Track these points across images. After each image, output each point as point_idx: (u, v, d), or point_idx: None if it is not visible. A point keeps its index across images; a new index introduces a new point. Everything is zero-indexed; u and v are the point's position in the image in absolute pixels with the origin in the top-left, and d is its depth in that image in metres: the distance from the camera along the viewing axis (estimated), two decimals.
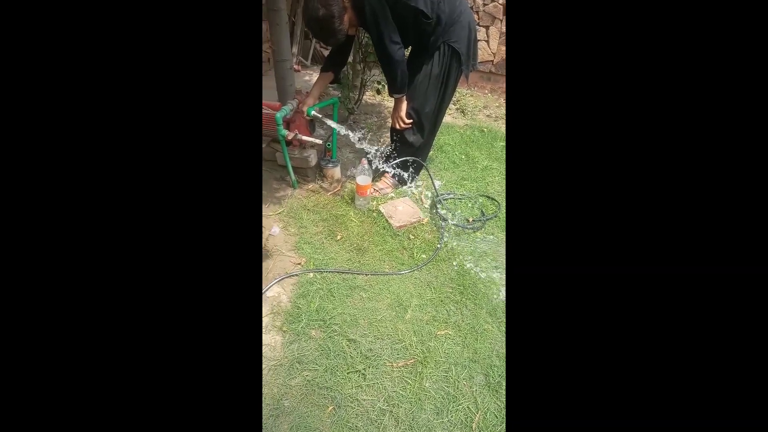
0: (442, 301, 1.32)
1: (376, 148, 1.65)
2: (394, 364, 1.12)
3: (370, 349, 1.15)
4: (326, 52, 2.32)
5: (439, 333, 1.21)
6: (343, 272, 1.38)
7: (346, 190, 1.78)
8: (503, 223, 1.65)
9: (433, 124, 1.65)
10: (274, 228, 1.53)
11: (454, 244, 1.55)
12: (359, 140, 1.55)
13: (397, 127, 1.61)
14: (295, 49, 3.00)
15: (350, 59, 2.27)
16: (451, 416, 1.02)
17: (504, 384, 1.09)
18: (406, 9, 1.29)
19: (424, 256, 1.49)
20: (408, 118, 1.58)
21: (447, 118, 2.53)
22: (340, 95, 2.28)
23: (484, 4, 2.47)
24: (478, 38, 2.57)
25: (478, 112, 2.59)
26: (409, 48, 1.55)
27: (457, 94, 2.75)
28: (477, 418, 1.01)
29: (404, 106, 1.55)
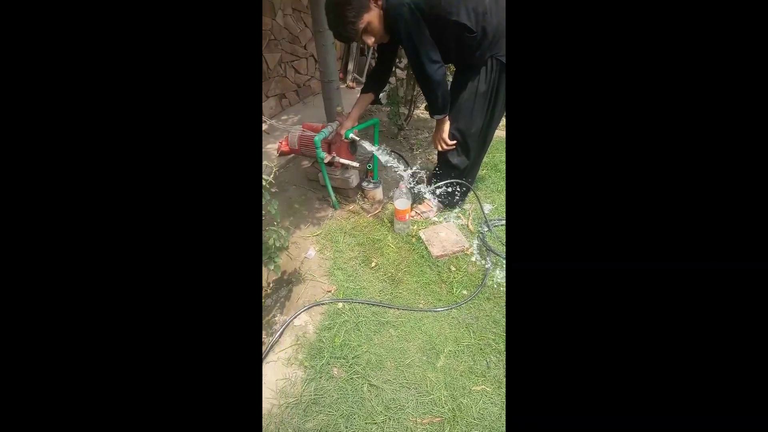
0: (481, 349, 1.15)
1: (413, 170, 1.54)
2: (419, 420, 0.99)
3: (393, 399, 1.04)
4: None
5: (475, 388, 1.05)
6: (373, 304, 1.29)
7: (387, 212, 1.69)
8: None
9: (480, 145, 1.49)
10: (310, 251, 1.51)
11: (502, 279, 1.37)
12: (398, 166, 1.45)
13: (439, 149, 1.48)
14: (351, 66, 3.04)
15: (402, 72, 2.21)
16: None
17: None
18: (447, 25, 1.17)
19: (465, 292, 1.34)
20: (452, 139, 1.45)
21: (503, 132, 2.32)
22: (389, 111, 2.22)
23: None
24: None
25: None
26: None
27: None
28: None
29: (447, 126, 1.43)
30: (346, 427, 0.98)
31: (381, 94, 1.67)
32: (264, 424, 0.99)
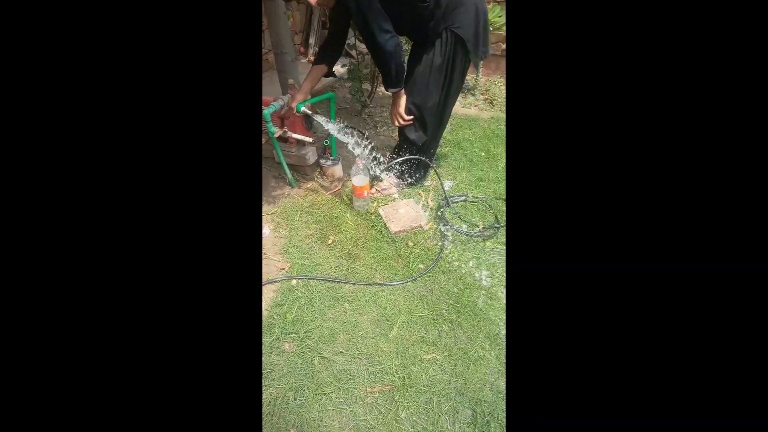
0: (434, 319, 1.17)
1: (371, 146, 1.51)
2: (369, 389, 1.00)
3: (344, 370, 1.04)
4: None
5: (425, 357, 1.07)
6: (328, 280, 1.28)
7: (347, 189, 1.67)
8: None
9: (438, 120, 1.47)
10: (264, 229, 1.47)
11: (459, 254, 1.38)
12: (354, 141, 1.42)
13: (396, 124, 1.46)
14: (312, 40, 2.93)
15: (363, 47, 2.15)
16: None
17: (494, 425, 0.92)
18: None
19: (421, 266, 1.34)
20: (409, 114, 1.43)
21: (470, 110, 2.32)
22: (350, 87, 2.17)
23: None
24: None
25: None
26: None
27: (487, 83, 2.52)
28: None
29: (403, 101, 1.40)
30: (295, 399, 0.97)
31: (338, 67, 1.61)
32: None
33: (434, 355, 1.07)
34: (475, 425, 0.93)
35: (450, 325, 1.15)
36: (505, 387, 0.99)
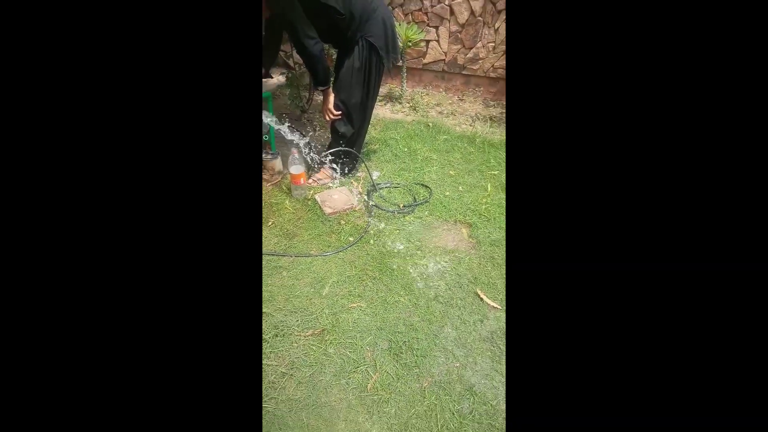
0: (360, 278, 1.38)
1: (306, 139, 1.73)
2: (303, 334, 1.18)
3: (282, 321, 1.21)
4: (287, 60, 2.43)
5: (351, 306, 1.28)
6: (267, 254, 1.45)
7: (286, 181, 1.85)
8: (433, 208, 1.73)
9: (362, 114, 1.74)
10: None
11: (382, 227, 1.62)
12: (290, 131, 1.63)
13: (326, 118, 1.70)
14: None
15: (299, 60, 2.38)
16: (349, 378, 1.08)
17: (405, 350, 1.15)
18: (320, 7, 1.39)
19: (351, 238, 1.56)
20: (337, 110, 1.67)
21: (397, 115, 2.63)
22: (289, 93, 2.38)
23: (432, 6, 2.59)
24: (429, 38, 2.69)
25: (430, 109, 2.69)
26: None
27: (412, 93, 2.86)
28: (374, 379, 1.07)
29: (331, 98, 1.65)
30: None
31: (278, 77, 1.82)
32: None
33: (359, 304, 1.29)
34: (390, 351, 1.15)
35: (373, 281, 1.37)
36: (416, 321, 1.23)
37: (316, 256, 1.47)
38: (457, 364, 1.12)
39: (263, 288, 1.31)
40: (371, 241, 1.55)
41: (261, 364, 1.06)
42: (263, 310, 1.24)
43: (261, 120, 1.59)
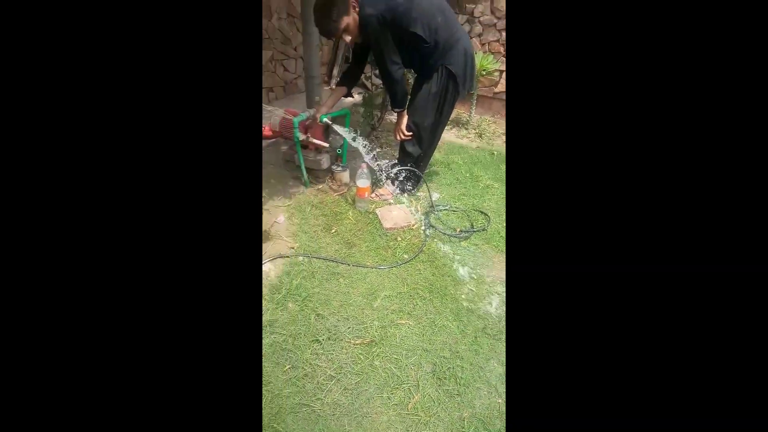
0: (411, 296, 1.42)
1: (374, 154, 1.83)
2: (353, 341, 1.24)
3: (335, 326, 1.28)
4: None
5: (400, 321, 1.32)
6: (328, 260, 1.55)
7: (351, 193, 1.97)
8: (490, 237, 1.72)
9: (431, 137, 1.80)
10: (280, 217, 1.76)
11: (438, 249, 1.65)
12: (363, 147, 1.74)
13: (397, 138, 1.78)
14: (335, 71, 3.35)
15: (379, 81, 2.53)
16: (392, 393, 1.11)
17: (449, 376, 1.16)
18: (406, 34, 1.49)
19: (406, 255, 1.61)
20: (408, 131, 1.76)
21: (462, 140, 2.66)
22: (363, 112, 2.53)
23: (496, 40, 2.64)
24: (503, 69, 2.71)
25: (496, 138, 2.69)
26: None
27: (479, 120, 2.88)
28: (415, 400, 1.10)
29: (405, 120, 1.73)
30: (293, 344, 1.22)
31: (355, 96, 1.97)
32: None
33: (408, 321, 1.32)
34: (434, 375, 1.17)
35: (423, 301, 1.40)
36: (463, 350, 1.23)
37: (372, 268, 1.53)
38: (500, 401, 1.10)
39: (321, 291, 1.41)
40: (425, 261, 1.58)
41: (261, 366, 1.04)
42: (319, 312, 1.32)
43: (261, 122, 1.69)
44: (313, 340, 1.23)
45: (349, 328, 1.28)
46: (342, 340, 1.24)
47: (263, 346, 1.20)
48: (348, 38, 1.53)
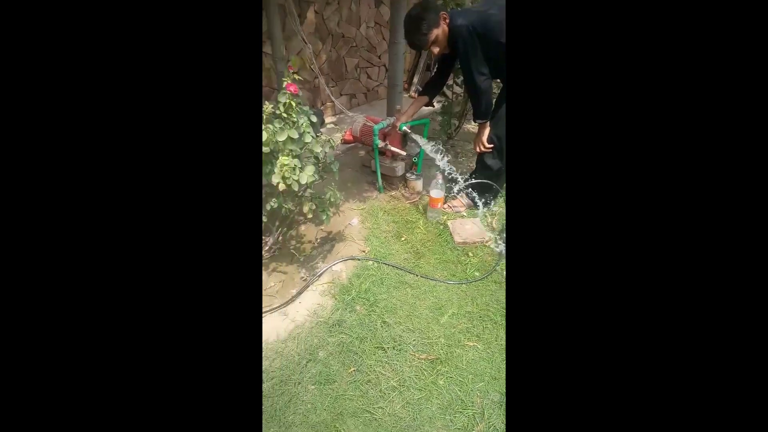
0: (480, 317, 1.36)
1: (450, 165, 1.79)
2: (417, 355, 1.22)
3: (400, 335, 1.28)
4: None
5: (468, 343, 1.26)
6: (397, 267, 1.55)
7: (423, 202, 1.95)
8: None
9: None
10: (354, 220, 1.81)
11: None
12: (440, 157, 1.72)
13: (477, 150, 1.72)
14: (416, 79, 3.38)
15: (459, 90, 2.48)
16: (455, 417, 1.07)
17: None
18: (498, 46, 1.43)
19: (477, 273, 1.55)
20: (489, 143, 1.69)
21: None
22: (441, 120, 2.50)
23: None
24: None
25: None
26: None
27: None
28: (478, 429, 1.04)
29: (487, 131, 1.67)
30: (359, 346, 1.24)
31: (435, 102, 1.95)
32: (297, 332, 1.28)
33: (475, 344, 1.26)
34: (501, 406, 1.09)
35: (493, 324, 1.33)
36: None
37: (441, 281, 1.50)
38: None
39: (389, 298, 1.41)
40: (499, 282, 1.50)
41: (261, 368, 1.07)
42: (385, 319, 1.33)
43: (261, 126, 1.68)
44: (378, 347, 1.24)
45: (414, 340, 1.27)
46: (407, 351, 1.23)
47: (330, 345, 1.24)
48: (436, 50, 1.52)
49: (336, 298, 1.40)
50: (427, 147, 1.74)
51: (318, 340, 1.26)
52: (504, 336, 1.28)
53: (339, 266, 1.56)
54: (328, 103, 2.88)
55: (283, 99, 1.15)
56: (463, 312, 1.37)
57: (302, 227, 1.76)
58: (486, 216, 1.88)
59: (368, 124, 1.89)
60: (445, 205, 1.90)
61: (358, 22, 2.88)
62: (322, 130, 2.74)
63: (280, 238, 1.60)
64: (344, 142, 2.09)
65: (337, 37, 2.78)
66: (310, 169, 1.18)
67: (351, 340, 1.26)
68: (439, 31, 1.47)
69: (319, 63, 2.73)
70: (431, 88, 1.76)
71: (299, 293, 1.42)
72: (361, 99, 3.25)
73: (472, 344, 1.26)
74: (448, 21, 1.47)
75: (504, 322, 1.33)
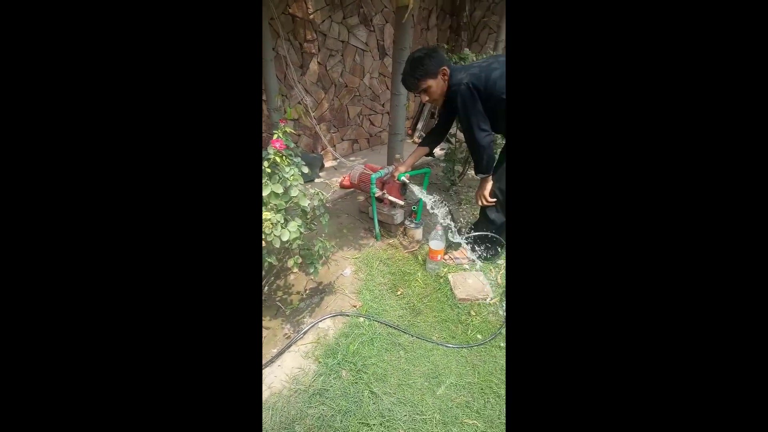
0: (482, 389, 1.20)
1: (452, 216, 1.70)
2: None
3: (389, 409, 1.12)
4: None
5: (467, 421, 1.10)
6: (390, 326, 1.41)
7: (423, 251, 1.85)
8: None
9: None
10: (346, 270, 1.70)
11: None
12: (441, 212, 1.64)
13: (479, 204, 1.65)
14: (420, 125, 3.42)
15: (462, 136, 2.47)
16: None
17: None
18: (500, 102, 1.40)
19: (479, 336, 1.40)
20: (493, 197, 1.61)
21: None
22: (444, 167, 2.46)
23: None
24: None
25: None
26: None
27: None
28: None
29: (489, 185, 1.60)
30: (341, 422, 1.08)
31: (436, 150, 1.92)
32: (273, 401, 1.14)
33: (476, 422, 1.09)
34: None
35: (497, 398, 1.16)
36: None
37: (438, 344, 1.35)
38: None
39: (379, 362, 1.27)
40: (503, 348, 1.35)
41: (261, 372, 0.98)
42: (374, 389, 1.18)
43: (261, 130, 1.65)
44: (362, 422, 1.08)
45: (405, 416, 1.10)
46: (396, 429, 1.07)
47: (309, 418, 1.09)
48: (425, 99, 1.50)
49: (320, 362, 1.26)
50: (427, 199, 1.67)
51: (296, 412, 1.11)
52: None
53: (327, 323, 1.43)
54: (330, 147, 2.90)
55: (268, 154, 1.12)
56: (463, 383, 1.21)
57: (291, 276, 1.66)
58: (490, 270, 1.76)
59: (366, 172, 1.85)
60: (446, 256, 1.79)
61: (361, 73, 2.98)
62: (321, 174, 2.73)
63: (266, 288, 1.50)
64: (342, 186, 2.05)
65: (341, 87, 2.85)
66: (294, 225, 1.11)
67: (333, 413, 1.10)
68: (434, 83, 1.45)
69: (321, 111, 2.78)
70: (432, 139, 1.72)
71: (279, 354, 1.29)
72: (363, 144, 3.28)
73: (471, 422, 1.09)
74: (447, 78, 1.46)
75: None
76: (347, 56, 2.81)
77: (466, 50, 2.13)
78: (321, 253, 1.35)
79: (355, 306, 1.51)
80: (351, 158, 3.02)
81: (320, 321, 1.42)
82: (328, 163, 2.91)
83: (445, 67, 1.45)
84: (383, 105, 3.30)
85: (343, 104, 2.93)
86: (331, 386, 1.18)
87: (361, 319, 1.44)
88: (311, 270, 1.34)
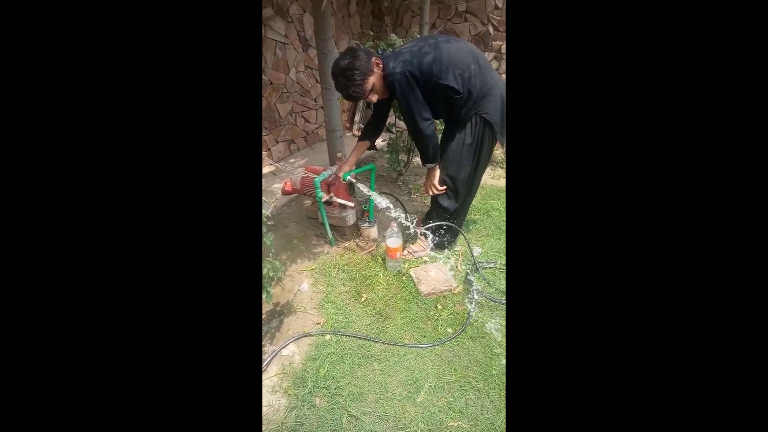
0: (461, 386, 1.17)
1: (404, 209, 1.65)
2: None
3: (371, 429, 1.05)
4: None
5: (451, 424, 1.07)
6: (359, 338, 1.34)
7: (381, 250, 1.78)
8: None
9: (468, 189, 1.61)
10: (303, 284, 1.58)
11: (487, 320, 1.41)
12: (387, 208, 1.57)
13: (429, 193, 1.61)
14: (357, 117, 3.31)
15: (402, 125, 2.42)
16: None
17: None
18: (437, 87, 1.35)
19: (449, 330, 1.38)
20: (442, 185, 1.58)
21: (499, 181, 2.46)
22: (389, 158, 2.40)
23: None
24: None
25: None
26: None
27: None
28: None
29: (437, 174, 1.56)
30: None
31: (378, 141, 1.84)
32: None
33: (460, 423, 1.07)
34: None
35: (477, 393, 1.15)
36: None
37: (410, 347, 1.31)
38: None
39: (353, 381, 1.19)
40: (474, 337, 1.34)
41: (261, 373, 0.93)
42: (351, 411, 1.10)
43: (261, 137, 1.57)
44: None
45: None
46: None
47: None
48: (374, 98, 1.40)
49: (289, 394, 1.15)
50: (376, 197, 1.59)
51: None
52: (490, 407, 1.10)
53: (290, 348, 1.31)
54: (264, 152, 2.69)
55: None
56: (442, 383, 1.18)
57: None
58: (450, 258, 1.75)
59: (308, 175, 1.72)
60: (405, 252, 1.74)
61: (286, 68, 2.77)
62: None
63: None
64: (284, 193, 1.89)
65: (266, 85, 2.63)
66: None
67: None
68: (375, 78, 1.35)
69: None
70: (371, 131, 1.63)
71: None
72: (301, 143, 3.09)
73: (456, 424, 1.07)
74: (381, 66, 1.36)
75: (487, 389, 1.16)
76: (267, 51, 2.58)
77: (393, 36, 2.05)
78: (271, 275, 1.22)
79: (318, 323, 1.41)
80: (290, 160, 2.84)
81: (283, 347, 1.30)
82: (264, 170, 2.70)
83: (375, 57, 1.35)
84: (315, 100, 3.12)
85: (271, 103, 2.71)
86: (306, 418, 1.08)
87: (328, 337, 1.34)
88: (264, 296, 1.21)
